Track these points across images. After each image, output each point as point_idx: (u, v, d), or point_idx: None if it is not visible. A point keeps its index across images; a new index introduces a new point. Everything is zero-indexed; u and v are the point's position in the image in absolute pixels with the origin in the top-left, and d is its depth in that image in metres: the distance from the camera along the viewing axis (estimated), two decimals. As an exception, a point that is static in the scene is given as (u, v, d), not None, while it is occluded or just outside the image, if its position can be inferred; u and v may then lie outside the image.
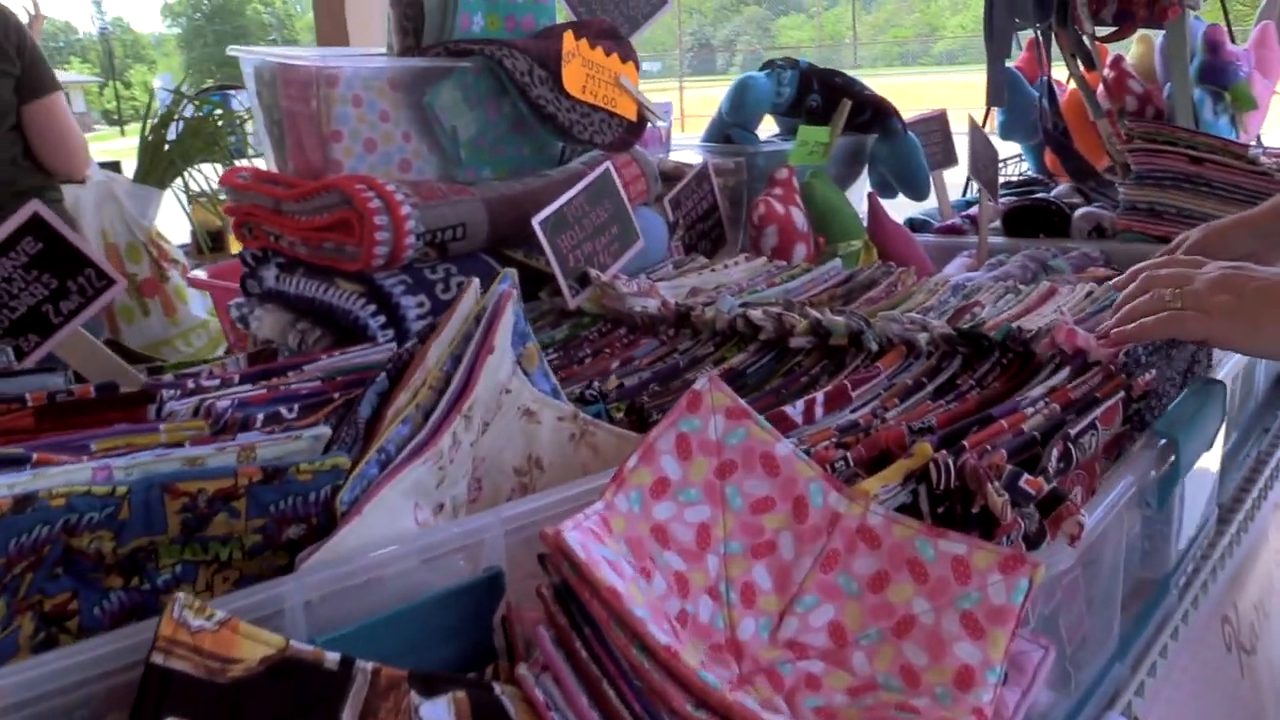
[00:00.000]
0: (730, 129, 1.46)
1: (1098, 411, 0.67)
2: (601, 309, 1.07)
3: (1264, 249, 1.08)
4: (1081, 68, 1.82)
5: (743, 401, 0.64)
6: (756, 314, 0.92)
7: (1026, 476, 0.58)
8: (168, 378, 0.83)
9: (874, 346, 0.85)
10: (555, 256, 1.04)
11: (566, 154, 1.30)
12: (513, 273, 0.72)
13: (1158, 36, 1.92)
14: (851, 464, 0.63)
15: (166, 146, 2.37)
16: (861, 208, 1.53)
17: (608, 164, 1.11)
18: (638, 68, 1.27)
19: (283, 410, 0.68)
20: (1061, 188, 1.75)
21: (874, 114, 1.55)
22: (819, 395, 0.77)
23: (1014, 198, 1.75)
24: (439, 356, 0.67)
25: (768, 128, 1.74)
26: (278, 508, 0.57)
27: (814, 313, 0.90)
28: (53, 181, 2.13)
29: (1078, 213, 1.55)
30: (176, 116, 2.46)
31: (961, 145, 1.65)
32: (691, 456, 0.62)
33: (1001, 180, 2.08)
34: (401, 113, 1.13)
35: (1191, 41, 1.90)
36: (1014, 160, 2.17)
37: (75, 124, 2.13)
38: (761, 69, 1.50)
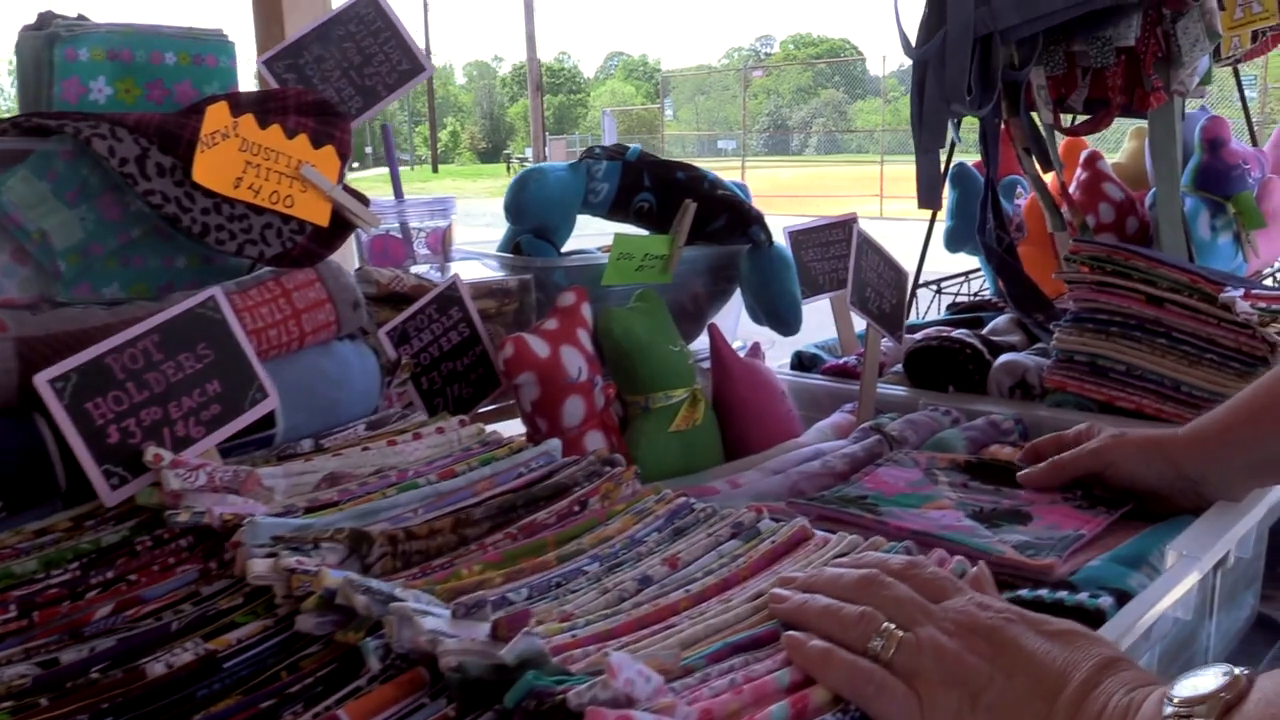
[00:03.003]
0: (521, 237, 1.11)
1: None
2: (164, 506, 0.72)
3: (1179, 491, 0.72)
4: (1038, 167, 1.43)
5: None
6: (261, 567, 0.56)
7: None
8: None
9: (375, 664, 0.48)
10: (78, 431, 0.70)
11: (255, 265, 0.97)
12: None
13: (1152, 130, 1.52)
14: None
15: None
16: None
17: (214, 292, 0.77)
18: (344, 157, 0.94)
19: None
20: (999, 320, 1.35)
21: (730, 220, 1.19)
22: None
23: (948, 327, 1.36)
24: None
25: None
26: None
27: (333, 578, 0.53)
28: None
29: (999, 361, 1.15)
30: None
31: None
32: None
33: (954, 300, 1.69)
34: (-40, 208, 0.81)
35: (1189, 137, 1.50)
36: (978, 276, 1.77)
37: None
38: (581, 158, 1.16)
